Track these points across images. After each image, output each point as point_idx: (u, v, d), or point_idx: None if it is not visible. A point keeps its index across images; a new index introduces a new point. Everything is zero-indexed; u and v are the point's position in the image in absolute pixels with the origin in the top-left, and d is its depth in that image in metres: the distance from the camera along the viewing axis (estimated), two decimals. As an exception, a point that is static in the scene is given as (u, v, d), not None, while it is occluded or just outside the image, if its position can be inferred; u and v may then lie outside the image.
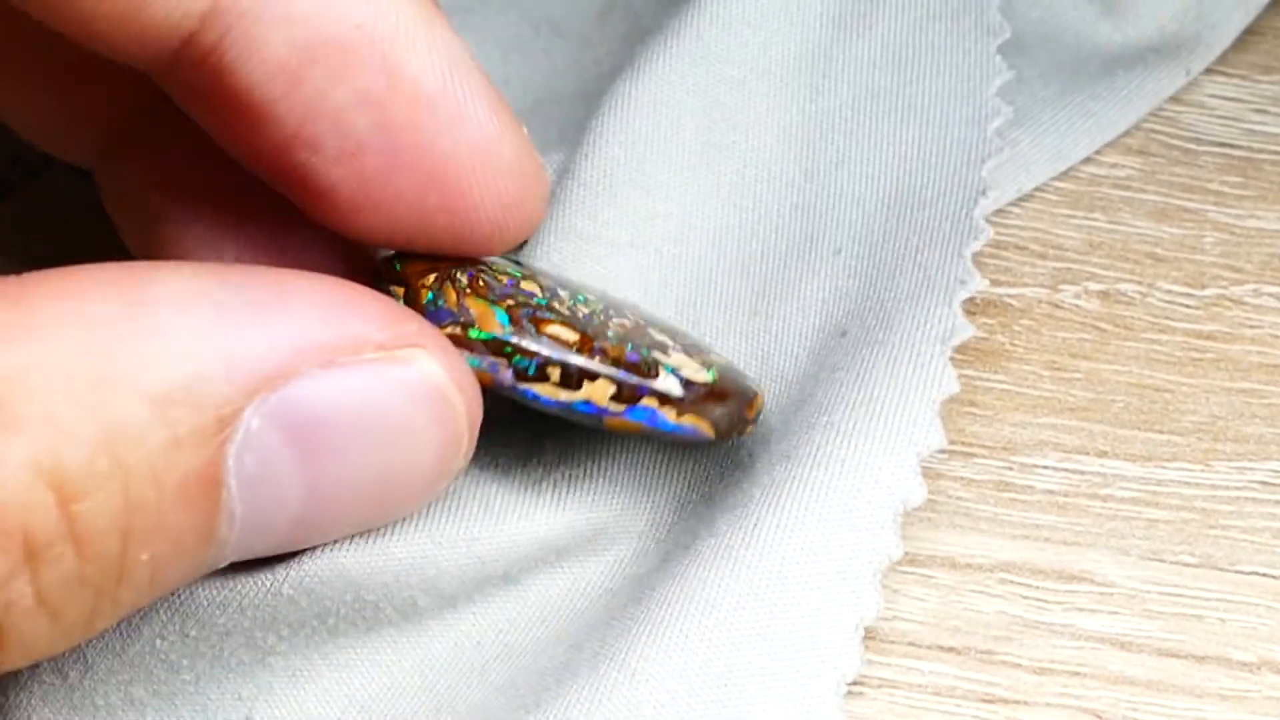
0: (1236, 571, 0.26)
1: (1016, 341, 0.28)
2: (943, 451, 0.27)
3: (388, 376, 0.21)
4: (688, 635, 0.23)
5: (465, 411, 0.22)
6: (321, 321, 0.21)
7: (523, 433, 0.26)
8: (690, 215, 0.28)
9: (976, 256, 0.29)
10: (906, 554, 0.26)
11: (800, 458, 0.24)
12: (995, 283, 0.29)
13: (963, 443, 0.27)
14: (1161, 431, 0.27)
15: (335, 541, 0.24)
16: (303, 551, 0.23)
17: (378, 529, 0.24)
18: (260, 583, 0.23)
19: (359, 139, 0.22)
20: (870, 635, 0.25)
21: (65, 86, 0.25)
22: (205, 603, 0.23)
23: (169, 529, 0.20)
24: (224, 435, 0.20)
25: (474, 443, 0.23)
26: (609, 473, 0.26)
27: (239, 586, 0.23)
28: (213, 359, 0.20)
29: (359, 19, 0.22)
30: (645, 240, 0.27)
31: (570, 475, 0.25)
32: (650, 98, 0.28)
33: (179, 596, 0.24)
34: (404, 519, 0.24)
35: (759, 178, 0.28)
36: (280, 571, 0.23)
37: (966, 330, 0.26)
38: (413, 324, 0.22)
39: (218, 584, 0.24)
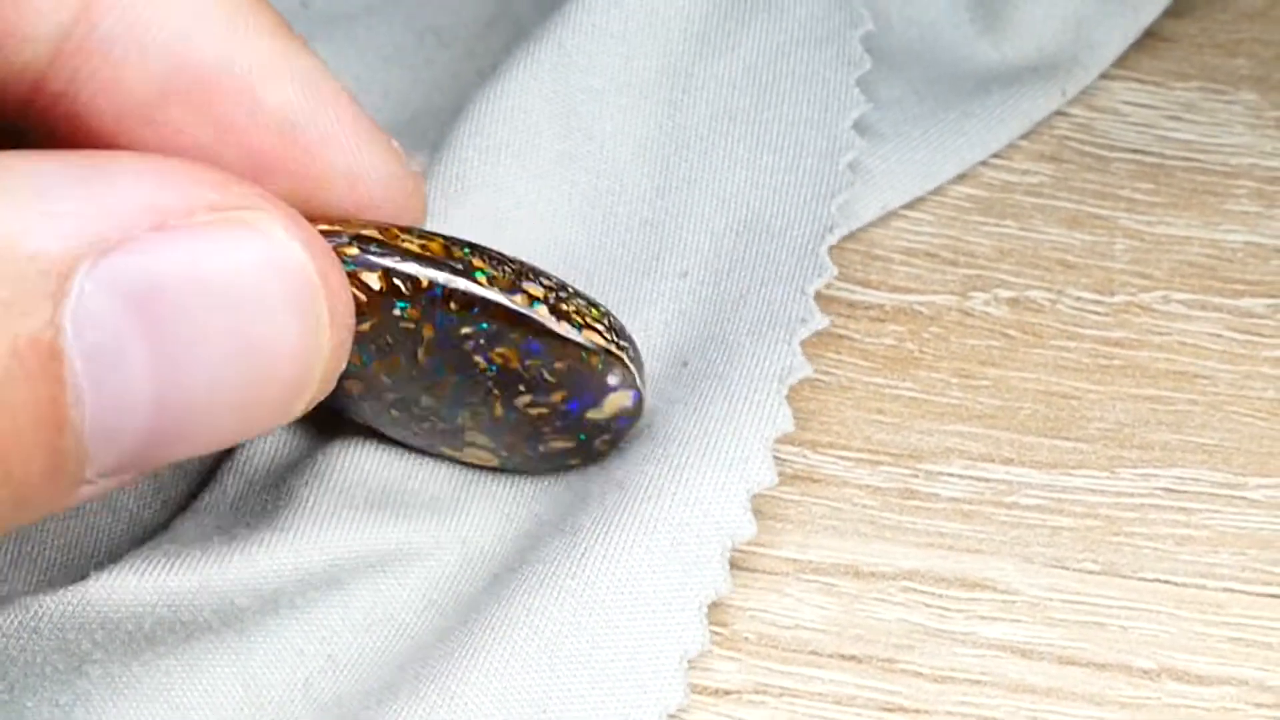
0: (1139, 579, 0.26)
1: (925, 349, 0.28)
2: (849, 459, 0.27)
3: (224, 239, 0.20)
4: (509, 660, 0.23)
5: (320, 281, 0.21)
6: (151, 185, 0.20)
7: (347, 442, 0.26)
8: (541, 223, 0.28)
9: (886, 263, 0.29)
10: (810, 561, 0.26)
11: (631, 488, 0.25)
12: (905, 290, 0.29)
13: (869, 450, 0.27)
14: (1068, 439, 0.27)
15: (142, 546, 0.24)
16: (114, 561, 0.23)
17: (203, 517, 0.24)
18: (70, 589, 0.23)
19: (228, 168, 0.22)
20: (772, 643, 0.25)
21: None
22: (13, 607, 0.23)
23: (8, 404, 0.19)
24: (55, 300, 0.19)
25: (346, 331, 0.22)
26: (431, 485, 0.26)
27: (45, 594, 0.23)
28: (35, 220, 0.19)
29: (219, 52, 0.22)
30: (496, 245, 0.27)
31: (386, 484, 0.25)
32: (509, 104, 0.28)
33: None
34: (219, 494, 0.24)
35: (611, 190, 0.28)
36: (91, 575, 0.23)
37: (805, 369, 0.26)
38: (252, 190, 0.21)
39: (24, 588, 0.23)
